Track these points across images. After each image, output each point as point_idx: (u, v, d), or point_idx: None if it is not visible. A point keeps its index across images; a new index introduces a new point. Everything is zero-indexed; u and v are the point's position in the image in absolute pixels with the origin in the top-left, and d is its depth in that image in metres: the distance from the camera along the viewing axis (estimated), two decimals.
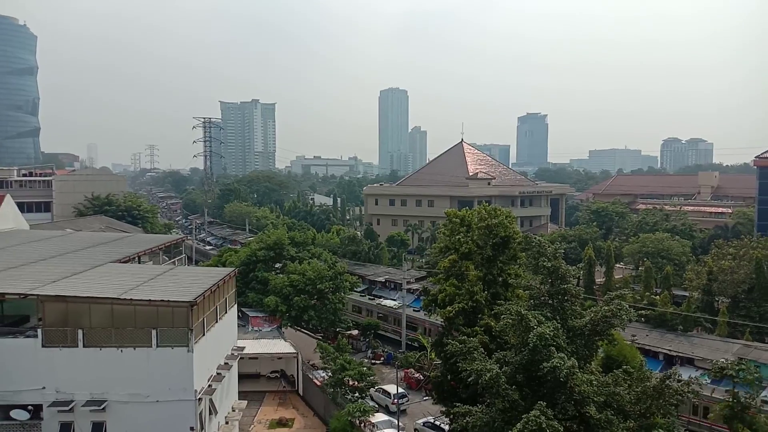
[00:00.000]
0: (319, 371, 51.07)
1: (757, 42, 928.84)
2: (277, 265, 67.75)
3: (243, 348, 41.19)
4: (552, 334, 24.38)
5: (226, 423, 36.41)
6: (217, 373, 34.25)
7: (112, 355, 29.49)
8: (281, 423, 44.69)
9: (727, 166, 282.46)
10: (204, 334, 31.88)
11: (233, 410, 38.66)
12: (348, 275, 65.52)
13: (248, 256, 65.83)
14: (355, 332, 65.90)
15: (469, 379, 25.43)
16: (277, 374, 53.30)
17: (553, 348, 23.99)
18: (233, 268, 43.95)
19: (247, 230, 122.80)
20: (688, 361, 47.49)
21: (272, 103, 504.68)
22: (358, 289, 74.73)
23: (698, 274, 64.70)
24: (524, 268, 34.99)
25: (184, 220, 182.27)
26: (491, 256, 34.19)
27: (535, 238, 30.84)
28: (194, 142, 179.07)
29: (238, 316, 49.13)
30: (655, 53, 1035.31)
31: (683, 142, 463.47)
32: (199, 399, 30.67)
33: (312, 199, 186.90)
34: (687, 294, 62.43)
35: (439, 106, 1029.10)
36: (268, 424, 44.53)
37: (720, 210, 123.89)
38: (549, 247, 29.36)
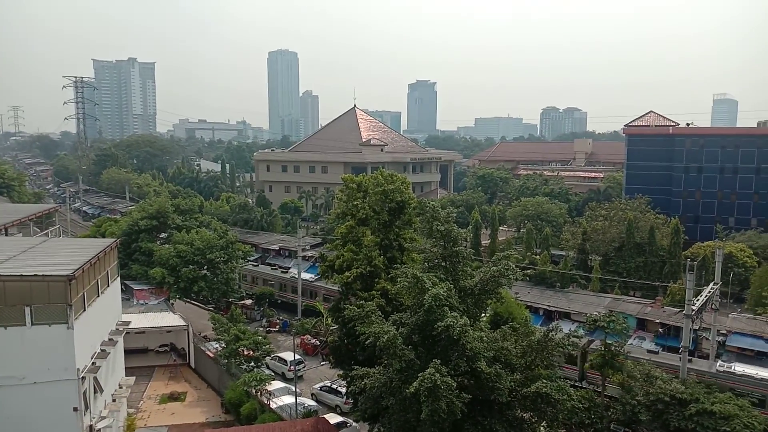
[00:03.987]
0: (211, 343, 49.74)
1: (630, 23, 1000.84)
2: (162, 235, 64.86)
3: (128, 322, 39.20)
4: (445, 294, 25.18)
5: (113, 401, 34.63)
6: (101, 350, 32.38)
7: None
8: (173, 397, 43.21)
9: (599, 133, 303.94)
10: (85, 310, 29.89)
11: (120, 387, 36.84)
12: (240, 244, 63.94)
13: (130, 225, 62.36)
14: (248, 302, 64.72)
15: (366, 342, 25.75)
16: (166, 348, 51.31)
17: (446, 308, 24.80)
18: (114, 239, 41.43)
19: (128, 198, 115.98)
20: (566, 315, 51.28)
21: (151, 63, 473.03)
22: (251, 258, 73.23)
23: (574, 235, 69.91)
24: (419, 232, 35.73)
25: (56, 189, 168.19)
26: (387, 221, 34.52)
27: (428, 203, 31.49)
28: (65, 103, 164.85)
29: (122, 289, 46.51)
30: (534, 33, 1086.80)
31: (560, 111, 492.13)
32: (83, 378, 28.89)
33: (198, 165, 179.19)
34: (564, 253, 67.22)
35: (331, 70, 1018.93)
36: (159, 399, 42.90)
37: (593, 175, 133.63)
38: (442, 211, 30.08)
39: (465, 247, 29.71)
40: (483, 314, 30.25)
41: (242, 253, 62.91)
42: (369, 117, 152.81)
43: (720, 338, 44.11)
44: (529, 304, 51.63)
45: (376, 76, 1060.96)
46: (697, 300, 38.59)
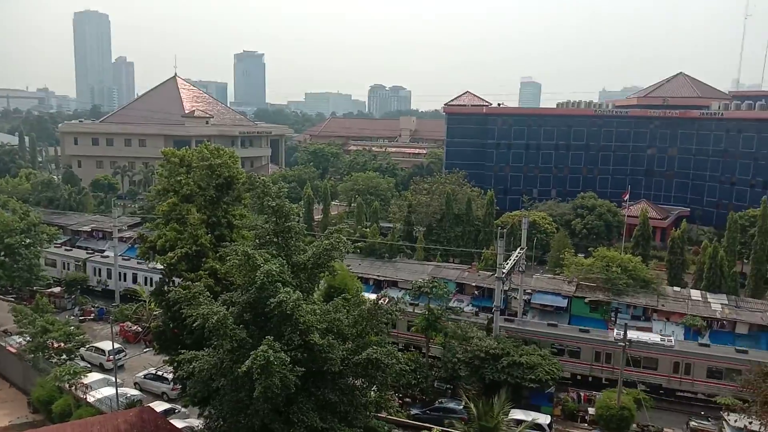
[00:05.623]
0: (14, 337, 44.31)
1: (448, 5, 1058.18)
2: None
3: None
4: (278, 270, 24.94)
5: None
6: None
7: None
8: None
9: (422, 111, 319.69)
10: None
11: None
12: (45, 226, 57.88)
13: None
14: (57, 289, 58.60)
15: (194, 325, 24.70)
16: None
17: (279, 284, 24.59)
18: None
19: None
20: (394, 284, 53.87)
21: None
22: (59, 241, 66.23)
23: (400, 208, 73.36)
24: (249, 208, 34.82)
25: None
26: (214, 198, 33.05)
27: (259, 179, 30.72)
28: None
29: None
30: (361, 10, 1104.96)
31: (387, 89, 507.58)
32: None
33: None
34: (392, 225, 70.28)
35: (148, 35, 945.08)
36: None
37: (417, 151, 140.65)
38: (273, 186, 29.56)
39: (297, 222, 29.55)
40: (316, 288, 30.50)
41: (48, 236, 56.73)
42: (192, 87, 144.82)
43: (526, 297, 49.40)
44: (360, 275, 53.27)
45: (199, 44, 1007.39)
46: (507, 264, 42.71)
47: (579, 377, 42.95)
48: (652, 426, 37.02)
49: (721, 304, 47.93)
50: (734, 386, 36.97)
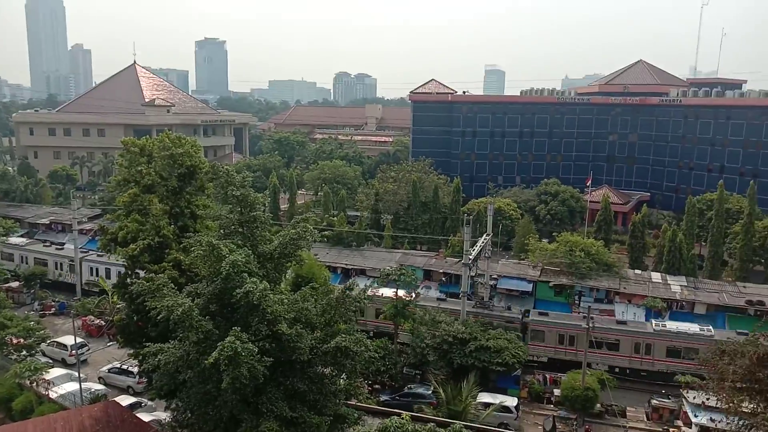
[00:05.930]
0: None
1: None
2: None
3: None
4: (244, 260, 24.64)
5: None
6: None
7: None
8: None
9: (388, 99, 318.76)
10: None
11: None
12: (0, 219, 55.76)
13: None
14: (15, 284, 56.87)
15: (158, 317, 24.28)
16: None
17: (245, 274, 24.32)
18: None
19: None
20: (362, 272, 53.86)
21: None
22: (17, 234, 64.18)
23: (367, 196, 73.31)
24: (213, 198, 34.31)
25: None
26: (177, 188, 32.44)
27: (222, 168, 30.23)
28: None
29: None
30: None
31: (352, 76, 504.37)
32: None
33: None
34: (359, 214, 70.20)
35: (105, 22, 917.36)
36: None
37: (383, 139, 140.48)
38: (237, 176, 29.15)
39: (263, 211, 29.24)
40: (283, 277, 30.28)
41: (3, 230, 54.92)
42: (152, 75, 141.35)
43: (492, 282, 49.99)
44: (328, 264, 53.13)
45: (159, 31, 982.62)
46: (473, 250, 43.11)
47: (617, 369, 42.02)
48: (616, 405, 38.02)
49: (681, 285, 49.38)
50: None
